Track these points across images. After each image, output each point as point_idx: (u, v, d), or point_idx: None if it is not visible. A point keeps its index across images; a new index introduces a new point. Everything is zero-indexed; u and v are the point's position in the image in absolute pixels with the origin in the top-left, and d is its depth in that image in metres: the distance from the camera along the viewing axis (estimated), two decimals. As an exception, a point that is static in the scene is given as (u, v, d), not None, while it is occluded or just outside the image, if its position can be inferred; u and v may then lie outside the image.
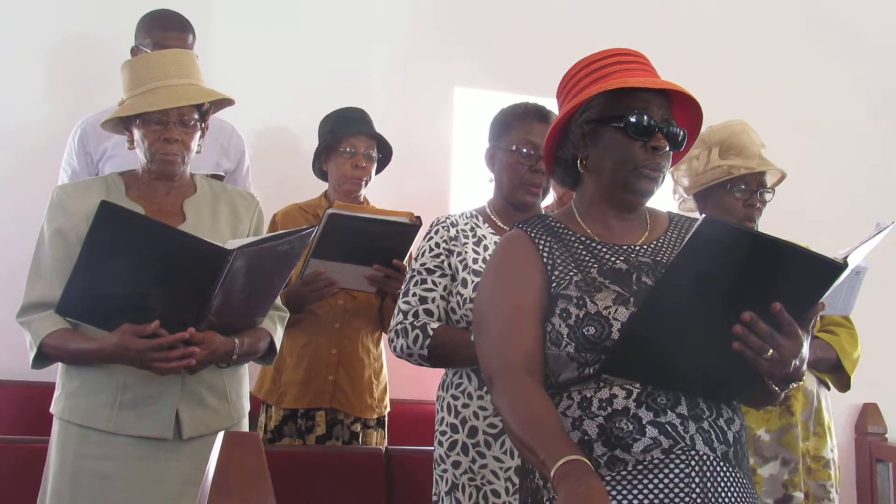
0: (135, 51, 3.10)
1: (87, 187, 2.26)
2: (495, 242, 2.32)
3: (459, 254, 2.30)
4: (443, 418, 2.27)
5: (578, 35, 4.23)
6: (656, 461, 1.53)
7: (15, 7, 3.69)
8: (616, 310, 1.59)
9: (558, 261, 1.68)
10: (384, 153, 3.13)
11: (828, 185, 4.23)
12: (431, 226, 2.39)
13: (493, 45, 4.17)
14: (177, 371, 2.09)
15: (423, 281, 2.29)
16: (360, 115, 3.12)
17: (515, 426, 1.54)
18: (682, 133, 1.71)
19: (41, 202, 2.26)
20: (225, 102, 2.32)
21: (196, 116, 2.22)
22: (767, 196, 2.62)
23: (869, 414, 4.13)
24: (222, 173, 3.15)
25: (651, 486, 1.52)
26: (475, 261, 2.28)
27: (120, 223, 2.00)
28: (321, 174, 3.15)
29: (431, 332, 2.22)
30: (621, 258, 1.68)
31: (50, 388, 2.26)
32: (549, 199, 2.93)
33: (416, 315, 2.26)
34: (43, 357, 2.15)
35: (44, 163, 3.27)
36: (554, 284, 1.65)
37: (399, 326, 2.26)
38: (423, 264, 2.32)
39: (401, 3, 4.13)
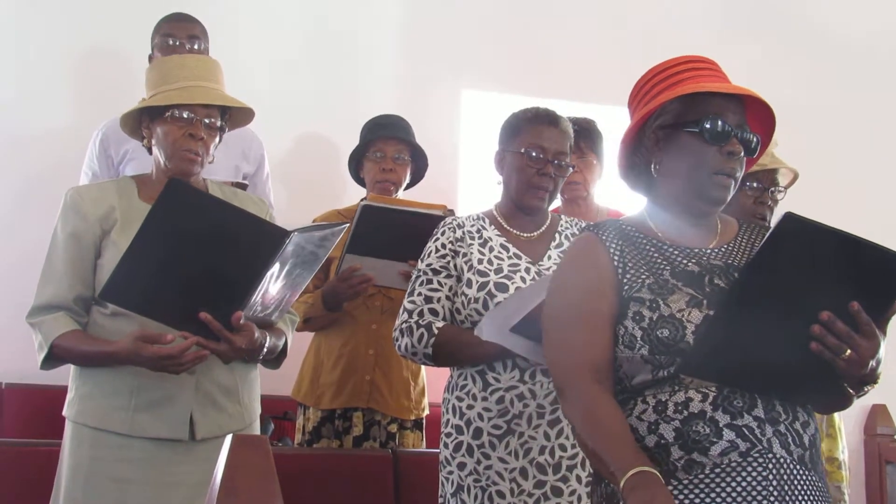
0: (151, 59, 3.14)
1: (100, 190, 2.28)
2: (501, 244, 2.34)
3: (465, 255, 2.32)
4: (448, 420, 2.28)
5: (584, 38, 4.27)
6: (734, 464, 1.53)
7: (40, 16, 3.73)
8: (690, 312, 1.59)
9: (629, 264, 1.68)
10: (419, 160, 3.16)
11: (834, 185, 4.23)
12: (438, 227, 2.41)
13: (500, 48, 4.18)
14: (191, 366, 2.09)
15: (429, 281, 2.31)
16: (393, 120, 3.17)
17: (586, 436, 1.56)
18: (755, 139, 1.71)
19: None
20: (245, 119, 2.36)
21: (219, 124, 2.24)
22: (779, 195, 2.62)
23: (878, 415, 4.11)
24: (245, 181, 3.18)
25: (729, 489, 1.52)
26: (480, 262, 2.30)
27: (185, 200, 2.00)
28: (358, 179, 3.19)
29: (436, 331, 2.24)
30: (693, 261, 1.68)
31: (61, 390, 2.27)
32: (556, 203, 2.93)
33: (420, 314, 2.27)
34: (53, 358, 2.16)
35: (69, 170, 3.30)
36: (626, 287, 1.65)
37: (404, 325, 2.28)
38: (428, 265, 2.34)
39: (408, 7, 4.14)
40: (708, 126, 1.66)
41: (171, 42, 3.10)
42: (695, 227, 1.74)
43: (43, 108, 3.67)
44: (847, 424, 3.11)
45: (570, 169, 2.40)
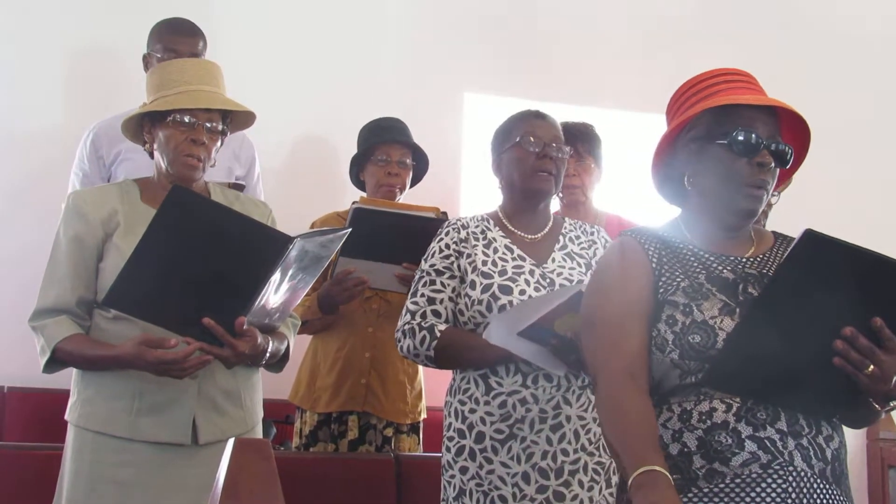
0: (146, 58, 3.13)
1: (102, 193, 2.28)
2: (505, 246, 2.34)
3: (469, 255, 2.32)
4: (450, 424, 2.28)
5: (586, 42, 4.27)
6: (754, 476, 1.54)
7: (31, 17, 3.73)
8: (722, 320, 1.60)
9: (665, 266, 1.69)
10: (420, 162, 3.15)
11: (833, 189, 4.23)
12: (442, 228, 2.41)
13: (501, 50, 4.19)
14: (194, 371, 2.09)
15: (432, 282, 2.32)
16: (395, 124, 3.17)
17: (607, 429, 1.58)
18: (789, 150, 1.72)
19: (57, 209, 2.28)
20: (246, 122, 2.36)
21: (221, 128, 2.24)
22: (773, 199, 2.62)
23: (880, 421, 4.09)
24: (241, 182, 3.17)
25: (748, 500, 1.53)
26: (484, 263, 2.30)
27: (188, 207, 2.01)
28: (358, 183, 3.18)
29: (438, 334, 2.24)
30: (728, 268, 1.70)
31: (63, 394, 2.27)
32: (556, 206, 2.94)
33: (423, 316, 2.28)
34: (55, 362, 2.16)
35: (59, 169, 3.30)
36: (661, 290, 1.67)
37: (406, 327, 2.29)
38: (432, 265, 2.34)
39: (409, 9, 4.15)
40: (739, 138, 1.67)
41: (173, 58, 3.07)
42: (729, 238, 1.75)
43: (36, 107, 3.68)
44: (849, 429, 3.10)
45: (568, 153, 2.41)
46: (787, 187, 2.67)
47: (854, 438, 3.92)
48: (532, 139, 2.33)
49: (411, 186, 3.18)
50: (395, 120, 3.18)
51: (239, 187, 3.03)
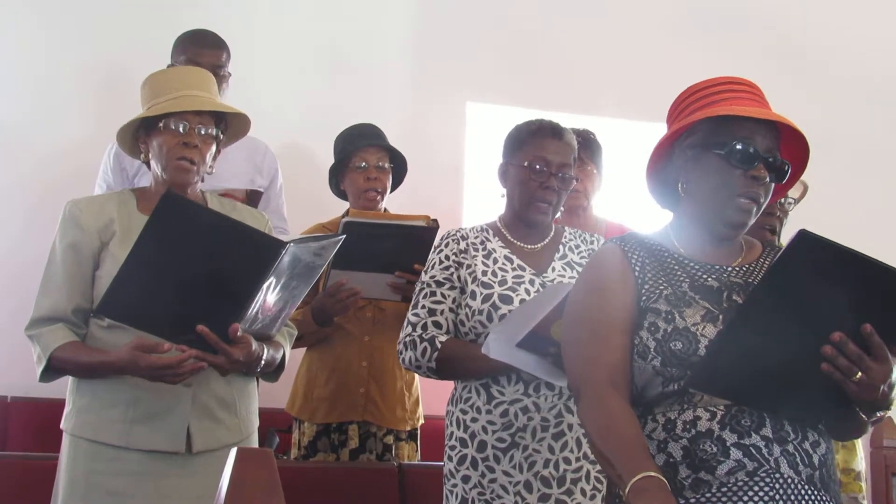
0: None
1: (99, 202, 2.28)
2: (505, 256, 2.34)
3: (469, 266, 2.32)
4: (452, 433, 2.28)
5: (587, 51, 4.27)
6: (740, 484, 1.53)
7: (54, 30, 3.76)
8: (704, 326, 1.60)
9: (649, 274, 1.69)
10: (398, 165, 3.14)
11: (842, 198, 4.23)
12: (441, 239, 2.41)
13: (504, 60, 4.20)
14: (189, 376, 2.09)
15: (433, 293, 2.31)
16: (369, 129, 3.14)
17: (596, 439, 1.57)
18: (786, 166, 1.71)
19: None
20: (242, 128, 2.36)
21: (214, 132, 2.24)
22: (788, 206, 2.60)
23: (884, 427, 4.07)
24: (260, 189, 3.18)
25: None
26: (484, 273, 2.30)
27: (180, 213, 2.01)
28: (339, 192, 3.17)
29: (439, 345, 2.24)
30: (713, 276, 1.69)
31: (59, 404, 2.27)
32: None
33: (424, 327, 2.28)
34: (51, 370, 2.16)
35: (83, 185, 3.30)
36: (644, 298, 1.66)
37: (408, 339, 2.28)
38: (432, 277, 2.34)
39: (412, 19, 4.16)
40: (737, 149, 1.66)
41: None
42: (717, 247, 1.75)
43: (57, 123, 3.70)
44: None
45: (574, 181, 2.40)
46: (803, 196, 2.66)
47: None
48: (539, 166, 2.31)
49: (392, 190, 3.16)
50: (368, 125, 3.15)
51: (257, 195, 3.04)
